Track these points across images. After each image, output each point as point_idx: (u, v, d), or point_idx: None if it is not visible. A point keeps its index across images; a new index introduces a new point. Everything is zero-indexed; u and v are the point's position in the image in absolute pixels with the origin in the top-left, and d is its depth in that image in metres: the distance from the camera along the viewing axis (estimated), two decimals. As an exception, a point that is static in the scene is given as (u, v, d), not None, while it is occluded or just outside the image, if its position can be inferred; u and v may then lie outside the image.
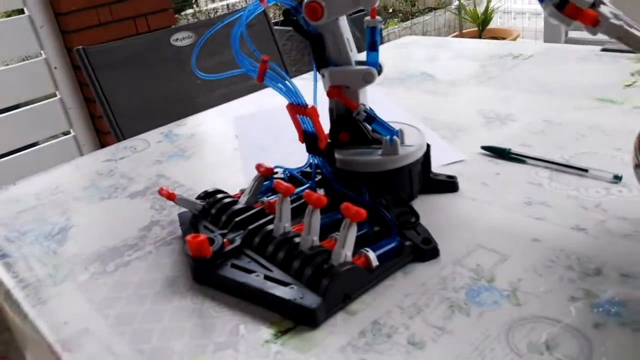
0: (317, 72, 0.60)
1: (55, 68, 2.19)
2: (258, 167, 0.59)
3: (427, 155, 0.60)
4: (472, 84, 0.96)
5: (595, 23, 0.47)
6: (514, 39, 3.35)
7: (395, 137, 0.57)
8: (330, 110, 0.61)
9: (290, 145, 0.80)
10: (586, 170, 0.60)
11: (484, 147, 0.70)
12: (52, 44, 2.19)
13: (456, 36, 3.48)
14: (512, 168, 0.65)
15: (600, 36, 0.49)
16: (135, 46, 1.36)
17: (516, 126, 0.76)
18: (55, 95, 2.22)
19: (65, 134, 2.29)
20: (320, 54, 0.59)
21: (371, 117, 0.59)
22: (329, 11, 0.54)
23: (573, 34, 1.90)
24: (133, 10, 2.29)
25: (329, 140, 0.58)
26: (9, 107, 2.13)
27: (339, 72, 0.58)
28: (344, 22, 0.58)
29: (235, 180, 0.72)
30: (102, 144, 2.32)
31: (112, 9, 2.24)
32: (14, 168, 2.10)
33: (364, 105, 0.59)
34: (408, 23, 4.44)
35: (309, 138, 0.57)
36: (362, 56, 0.59)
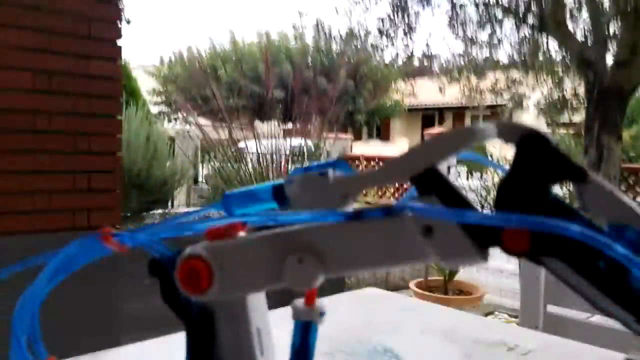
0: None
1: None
2: None
3: None
4: (455, 384, 0.67)
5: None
6: (480, 297, 3.18)
7: None
8: None
9: None
10: None
11: None
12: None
13: (421, 283, 3.31)
14: None
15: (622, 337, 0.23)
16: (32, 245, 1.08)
17: None
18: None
19: None
20: (201, 353, 0.31)
21: None
22: (226, 282, 0.28)
23: (553, 309, 1.68)
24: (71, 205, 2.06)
25: None
26: None
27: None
28: (257, 298, 0.32)
29: None
30: None
31: (53, 197, 2.01)
32: None
33: None
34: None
35: None
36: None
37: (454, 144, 0.25)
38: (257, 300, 0.31)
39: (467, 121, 15.86)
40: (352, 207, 0.29)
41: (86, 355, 0.70)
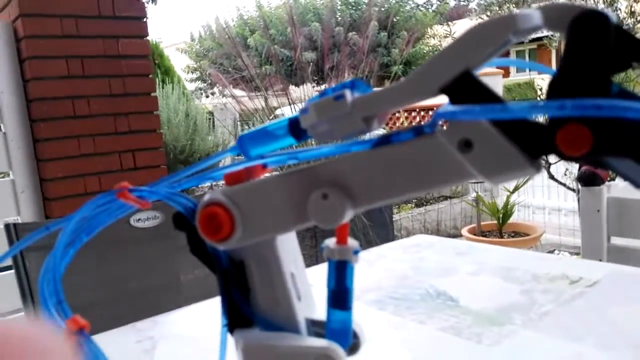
0: (229, 335, 0.30)
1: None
2: None
3: None
4: (517, 322, 0.64)
5: None
6: (537, 238, 3.09)
7: None
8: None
9: None
10: None
11: None
12: (31, 211, 1.99)
13: (473, 229, 3.25)
14: None
15: None
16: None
17: None
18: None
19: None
20: (235, 300, 0.29)
21: None
22: (248, 226, 0.26)
23: (617, 241, 1.61)
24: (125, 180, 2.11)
25: None
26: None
27: (267, 350, 0.28)
28: (287, 243, 0.30)
29: None
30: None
31: (102, 178, 2.07)
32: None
33: None
34: (422, 209, 4.29)
35: None
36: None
37: (491, 38, 0.21)
38: (287, 245, 0.29)
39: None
40: (380, 131, 0.26)
41: (127, 325, 0.72)
